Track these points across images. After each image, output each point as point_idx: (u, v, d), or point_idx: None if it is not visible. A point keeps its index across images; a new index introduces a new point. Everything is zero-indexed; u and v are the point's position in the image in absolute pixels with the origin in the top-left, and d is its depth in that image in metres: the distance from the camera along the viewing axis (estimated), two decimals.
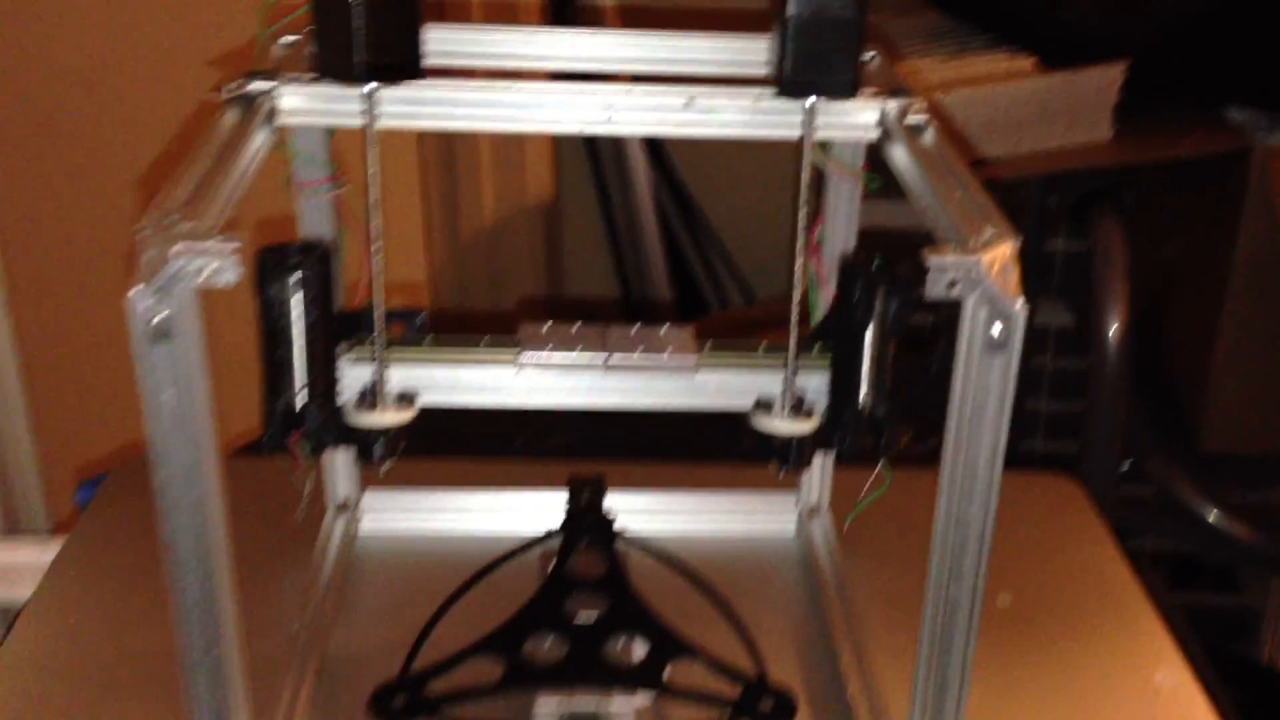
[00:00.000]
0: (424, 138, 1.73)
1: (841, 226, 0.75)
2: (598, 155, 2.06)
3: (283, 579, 0.77)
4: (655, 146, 2.03)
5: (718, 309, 2.19)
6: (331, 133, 0.70)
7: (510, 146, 1.85)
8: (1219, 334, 1.57)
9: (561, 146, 1.99)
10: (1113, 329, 1.44)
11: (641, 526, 0.83)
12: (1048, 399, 1.53)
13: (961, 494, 0.51)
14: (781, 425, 0.65)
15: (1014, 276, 0.47)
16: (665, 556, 0.79)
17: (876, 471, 0.72)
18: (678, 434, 1.06)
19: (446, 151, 1.80)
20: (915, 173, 0.57)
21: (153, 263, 0.44)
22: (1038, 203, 1.64)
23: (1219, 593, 1.65)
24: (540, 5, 1.84)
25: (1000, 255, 0.47)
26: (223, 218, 0.49)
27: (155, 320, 0.45)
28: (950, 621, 0.53)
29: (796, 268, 0.65)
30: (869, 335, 0.64)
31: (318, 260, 0.61)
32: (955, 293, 0.47)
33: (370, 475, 0.83)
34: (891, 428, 0.64)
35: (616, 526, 0.80)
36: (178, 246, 0.45)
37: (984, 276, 0.47)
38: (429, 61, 0.69)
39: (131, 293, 0.44)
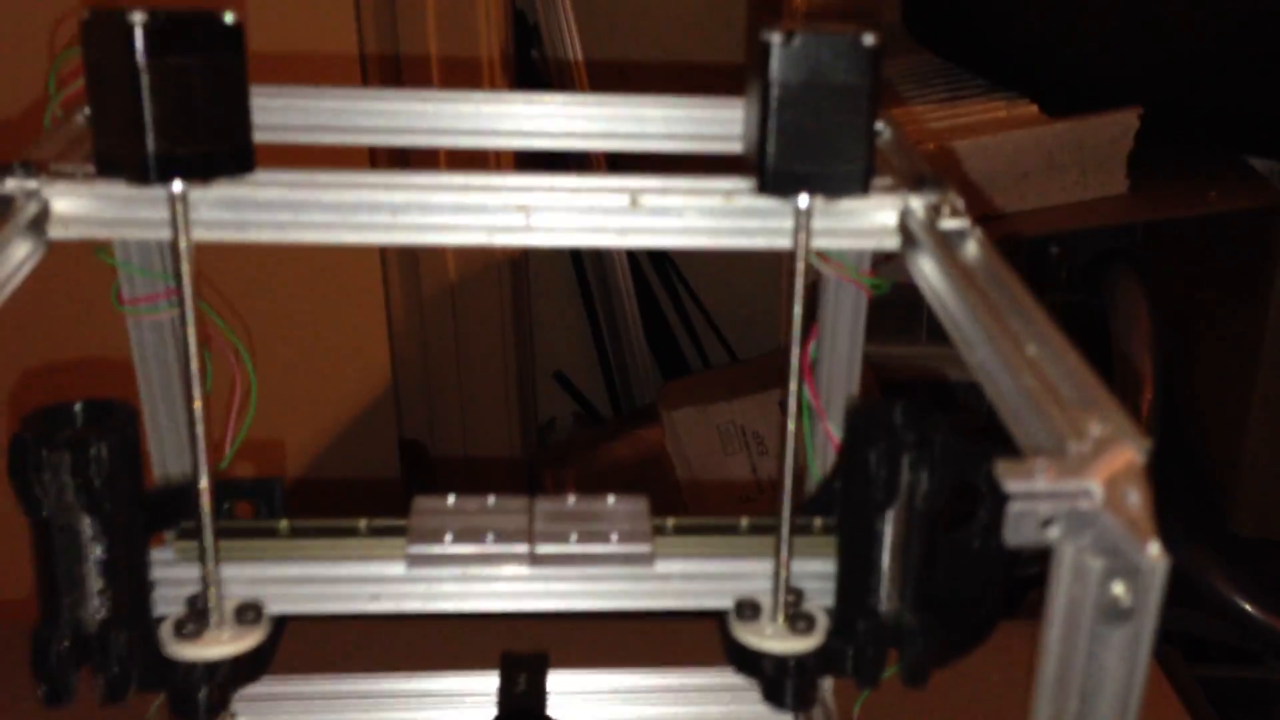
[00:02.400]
0: None
1: (844, 344, 0.58)
2: None
3: None
4: None
5: (699, 369, 2.04)
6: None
7: None
8: (1251, 407, 1.41)
9: None
10: (1138, 405, 1.28)
11: (595, 715, 0.65)
12: None
13: None
14: (772, 642, 0.47)
15: (1144, 504, 0.30)
16: None
17: None
18: None
19: None
20: (959, 306, 0.40)
21: None
22: (1031, 253, 1.50)
23: (1235, 666, 1.50)
24: (504, 63, 1.69)
25: (1121, 469, 0.30)
26: None
27: None
28: None
29: (789, 395, 0.48)
30: (890, 519, 0.46)
31: (112, 430, 0.43)
32: (1051, 536, 0.29)
33: None
34: (923, 646, 0.46)
35: None
36: None
37: (1099, 512, 0.29)
38: (324, 138, 0.53)
39: None
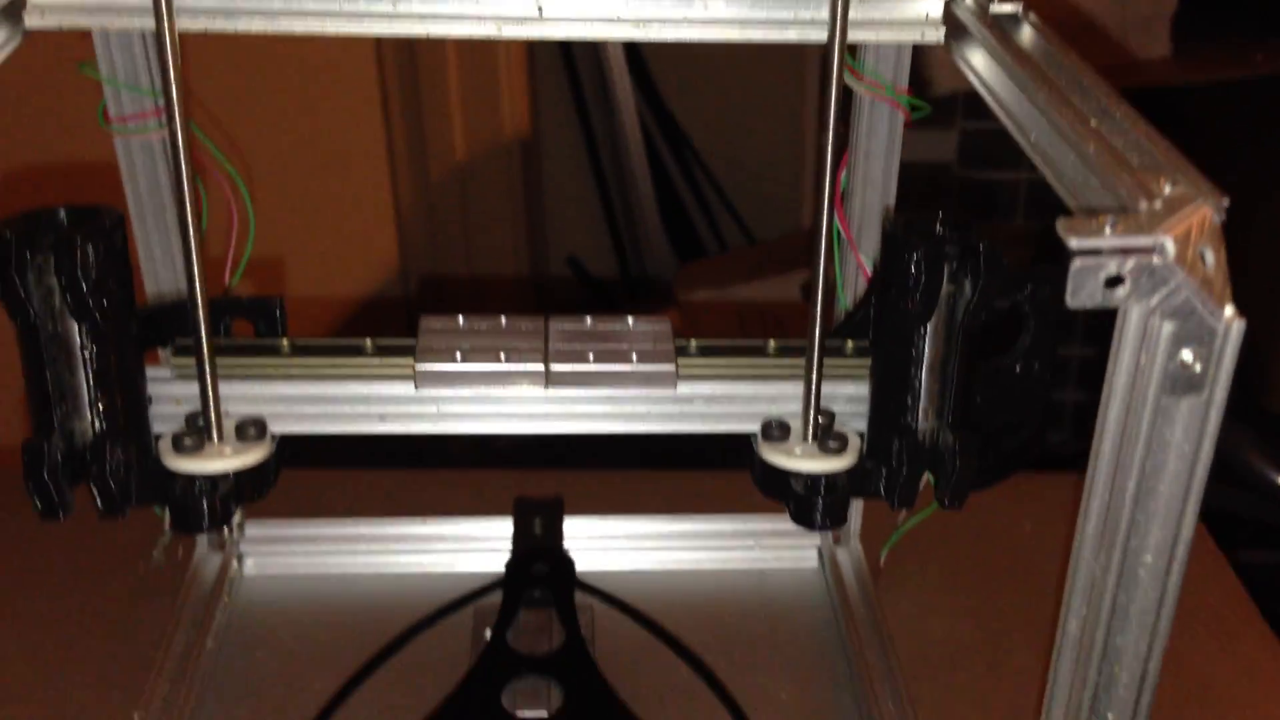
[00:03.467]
0: (383, 66, 1.53)
1: (878, 171, 0.54)
2: (578, 83, 1.86)
3: (124, 648, 0.57)
4: (642, 69, 1.83)
5: (716, 251, 2.00)
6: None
7: (481, 77, 1.65)
8: None
9: (538, 76, 1.79)
10: None
11: (613, 563, 0.63)
12: (1077, 388, 1.34)
13: (1115, 613, 0.31)
14: (803, 461, 0.45)
15: (1220, 264, 0.27)
16: (644, 619, 0.59)
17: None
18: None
19: (411, 83, 1.60)
20: (1012, 91, 0.36)
21: None
22: None
23: (1272, 549, 1.48)
24: None
25: (1196, 226, 0.27)
26: None
27: None
28: None
29: (820, 229, 0.45)
30: (929, 333, 0.43)
31: (98, 233, 0.40)
32: (1118, 297, 0.27)
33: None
34: (962, 466, 0.44)
35: (578, 571, 0.60)
36: None
37: (1172, 269, 0.26)
38: None
39: None
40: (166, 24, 0.39)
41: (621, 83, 1.80)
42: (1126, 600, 0.31)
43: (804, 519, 0.44)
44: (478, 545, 0.63)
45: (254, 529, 0.63)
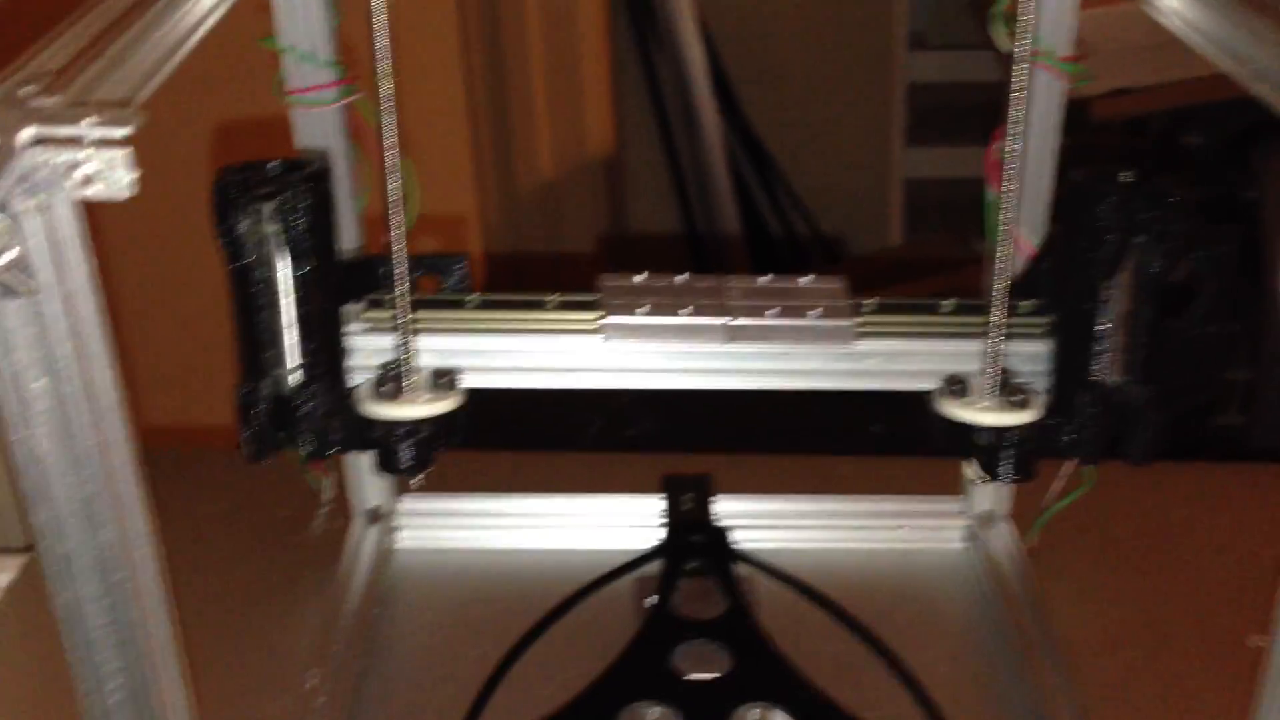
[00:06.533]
0: (470, 81, 1.55)
1: (1036, 141, 0.54)
2: (661, 101, 1.88)
3: (292, 614, 0.58)
4: (725, 90, 1.84)
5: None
6: (336, 20, 0.51)
7: (567, 90, 1.67)
8: None
9: (622, 91, 1.81)
10: None
11: (759, 541, 0.63)
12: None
13: None
14: (988, 415, 0.45)
15: None
16: (806, 589, 0.59)
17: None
18: (798, 420, 0.85)
19: (498, 97, 1.63)
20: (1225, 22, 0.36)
21: None
22: (1160, 143, 1.43)
23: None
24: None
25: None
26: (137, 92, 0.29)
27: None
28: None
29: (989, 194, 0.45)
30: (1118, 284, 0.43)
31: (307, 183, 0.42)
32: None
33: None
34: (1155, 419, 0.44)
35: (732, 542, 0.61)
36: (29, 131, 0.25)
37: None
38: None
39: None
40: None
41: (704, 99, 1.80)
42: None
43: (992, 470, 0.44)
44: (629, 520, 0.63)
45: (406, 503, 0.64)
